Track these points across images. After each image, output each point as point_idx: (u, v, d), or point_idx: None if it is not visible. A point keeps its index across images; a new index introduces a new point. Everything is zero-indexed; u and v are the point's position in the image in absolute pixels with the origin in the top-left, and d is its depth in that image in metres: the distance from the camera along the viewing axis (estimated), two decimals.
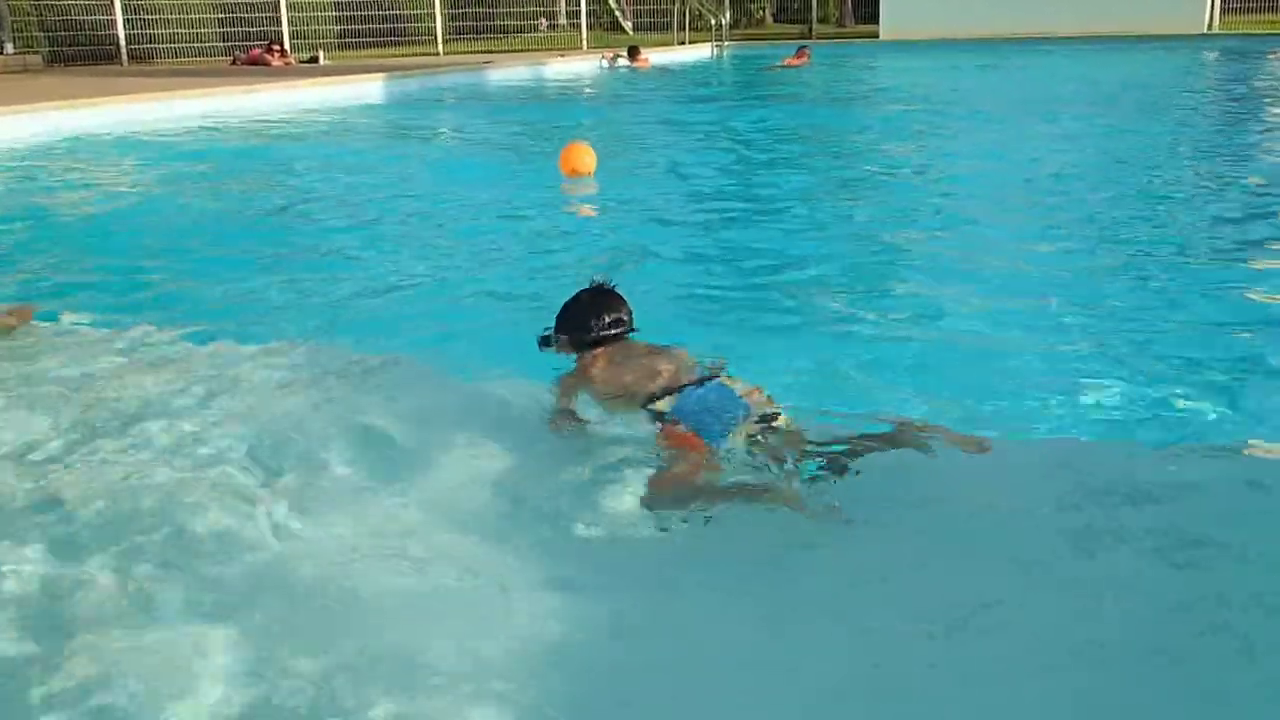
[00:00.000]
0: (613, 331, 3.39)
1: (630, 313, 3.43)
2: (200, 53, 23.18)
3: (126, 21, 21.77)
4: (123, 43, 21.72)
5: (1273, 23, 27.33)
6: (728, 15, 29.87)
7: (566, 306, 3.48)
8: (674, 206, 7.19)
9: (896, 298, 4.80)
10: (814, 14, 32.84)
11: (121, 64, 21.32)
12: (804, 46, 21.75)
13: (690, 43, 27.18)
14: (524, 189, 7.72)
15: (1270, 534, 2.65)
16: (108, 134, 11.28)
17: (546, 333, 3.50)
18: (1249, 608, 2.32)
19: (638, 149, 10.18)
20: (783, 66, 20.17)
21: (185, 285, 5.27)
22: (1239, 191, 7.26)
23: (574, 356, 3.40)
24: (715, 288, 5.02)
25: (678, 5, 27.90)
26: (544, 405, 3.35)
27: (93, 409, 3.50)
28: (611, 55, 21.68)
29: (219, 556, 2.59)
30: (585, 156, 7.84)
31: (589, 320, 3.40)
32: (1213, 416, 3.35)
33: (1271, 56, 19.59)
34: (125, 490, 2.91)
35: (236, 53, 21.88)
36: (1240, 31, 26.20)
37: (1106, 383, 3.61)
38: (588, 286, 3.52)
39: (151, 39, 22.45)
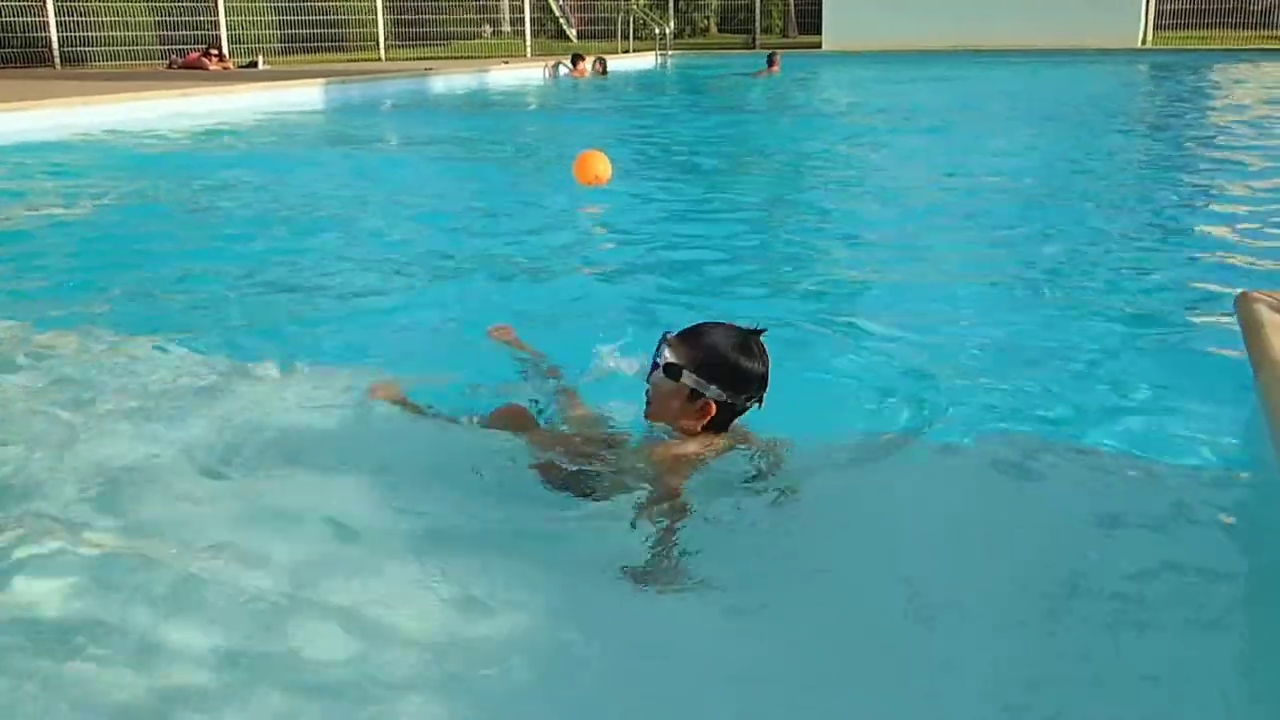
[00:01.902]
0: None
1: None
2: (136, 56, 22.81)
3: (59, 24, 21.38)
4: (55, 45, 21.32)
5: (1203, 38, 27.94)
6: (672, 24, 29.99)
7: (738, 350, 2.73)
8: (625, 216, 7.18)
9: (820, 300, 4.83)
10: (758, 24, 33.03)
11: (54, 67, 20.93)
12: (773, 54, 22.08)
13: (635, 51, 27.23)
14: (471, 196, 7.69)
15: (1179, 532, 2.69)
16: (37, 139, 11.05)
17: (673, 362, 2.72)
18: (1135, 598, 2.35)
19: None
20: (756, 75, 20.65)
21: (109, 293, 5.16)
22: (1159, 196, 7.40)
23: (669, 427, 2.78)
24: (656, 298, 5.00)
25: (622, 14, 27.96)
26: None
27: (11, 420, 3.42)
28: (593, 61, 21.64)
29: (179, 567, 2.52)
30: (601, 164, 7.81)
31: (755, 381, 2.74)
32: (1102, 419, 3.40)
33: (1199, 72, 20.01)
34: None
35: (173, 56, 21.56)
36: (1172, 47, 26.74)
37: (1009, 386, 3.66)
38: (747, 330, 2.78)
39: (86, 41, 22.06)
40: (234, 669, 2.18)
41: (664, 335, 2.78)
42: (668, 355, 2.72)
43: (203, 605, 2.39)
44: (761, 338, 2.77)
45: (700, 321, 2.84)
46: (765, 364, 2.74)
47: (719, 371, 2.70)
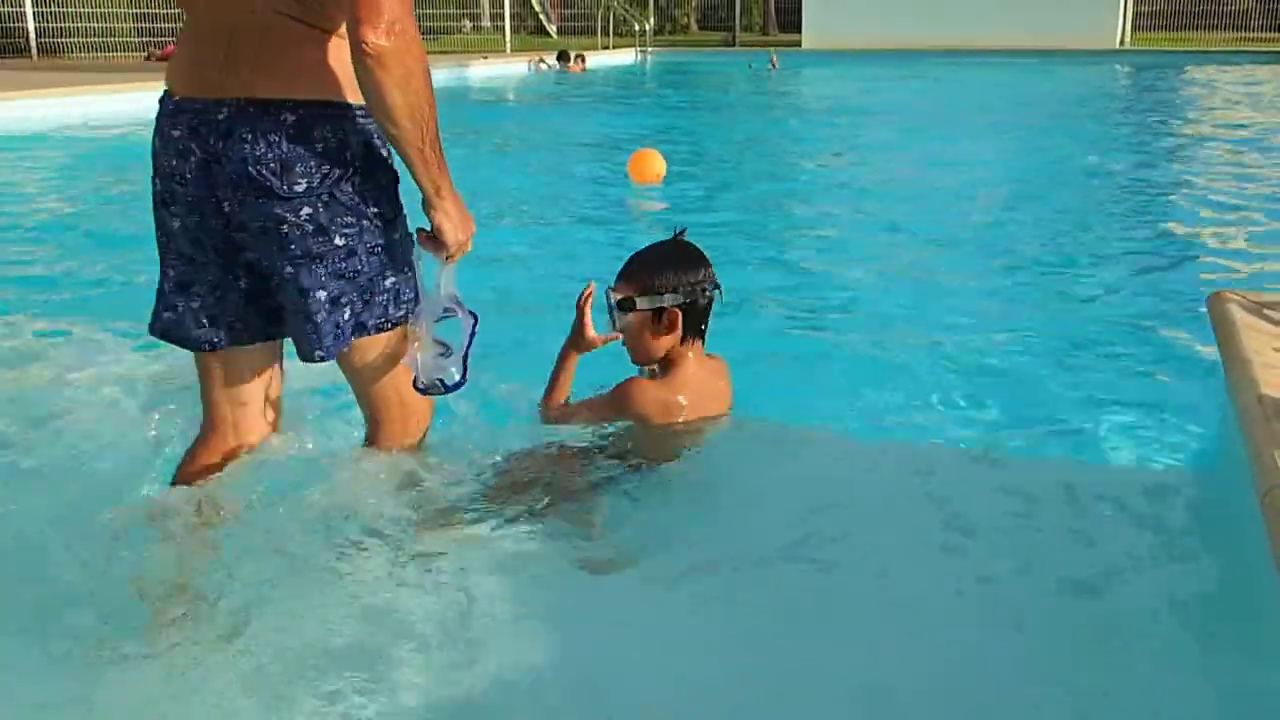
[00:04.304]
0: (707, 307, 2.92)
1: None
2: (114, 48, 22.67)
3: (37, 14, 21.21)
4: (33, 36, 21.15)
5: (1180, 40, 28.16)
6: (652, 21, 30.02)
7: (660, 254, 2.92)
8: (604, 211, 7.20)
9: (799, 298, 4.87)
10: (738, 22, 33.08)
11: (32, 58, 20.78)
12: (773, 54, 22.76)
13: (614, 47, 27.23)
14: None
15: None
16: (12, 131, 10.99)
17: (623, 297, 2.86)
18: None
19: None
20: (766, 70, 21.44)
21: (85, 287, 5.16)
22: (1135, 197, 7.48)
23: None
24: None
25: (603, 10, 27.96)
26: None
27: None
28: (577, 57, 21.74)
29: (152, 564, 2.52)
30: (659, 162, 7.83)
31: (698, 269, 2.89)
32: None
33: (1175, 73, 20.17)
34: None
35: (152, 48, 21.44)
36: (1150, 48, 26.93)
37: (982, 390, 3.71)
38: (669, 239, 2.97)
39: (64, 33, 21.90)
40: (225, 663, 2.19)
41: (606, 289, 2.94)
42: (615, 297, 2.88)
43: (199, 603, 2.39)
44: (684, 237, 2.95)
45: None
46: (699, 253, 2.91)
47: (664, 280, 2.85)
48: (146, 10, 23.27)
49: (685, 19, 37.67)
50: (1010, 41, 25.81)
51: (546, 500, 2.73)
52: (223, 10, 2.32)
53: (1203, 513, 2.90)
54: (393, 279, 2.46)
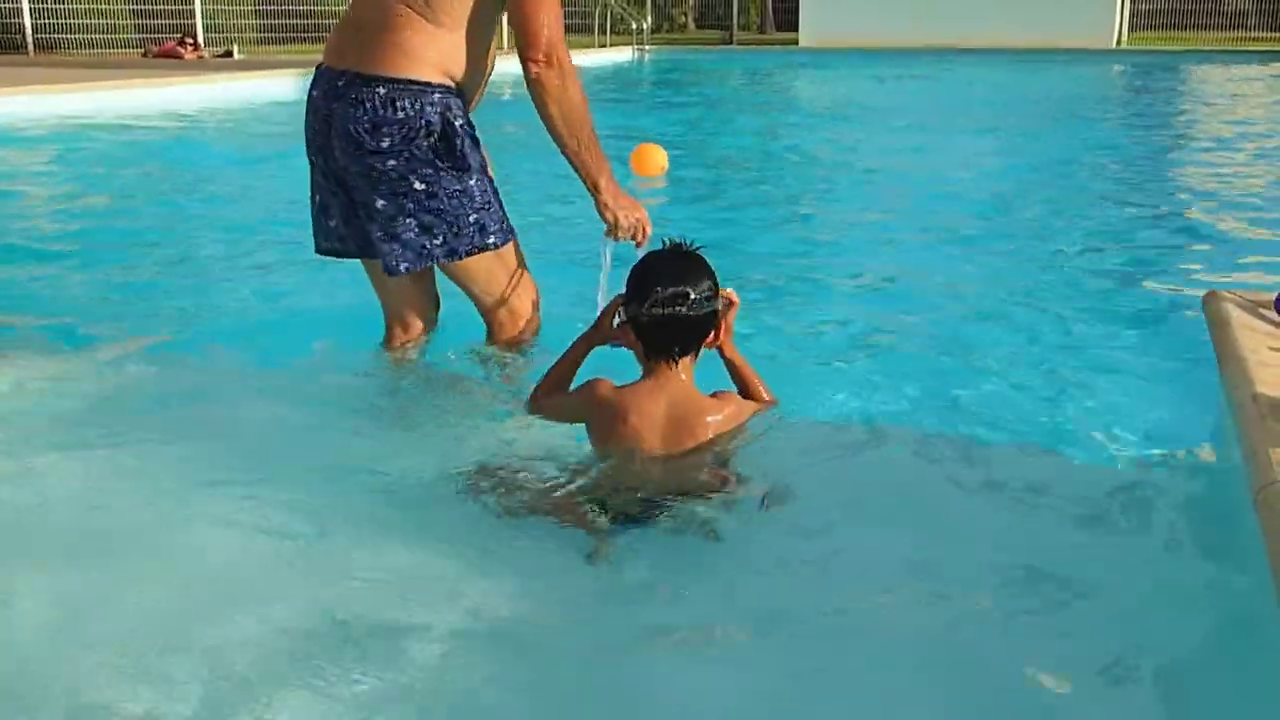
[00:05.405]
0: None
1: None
2: (111, 44, 22.62)
3: (33, 10, 21.16)
4: (29, 32, 21.11)
5: (1178, 39, 28.17)
6: (649, 19, 29.98)
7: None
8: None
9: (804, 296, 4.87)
10: (735, 21, 33.06)
11: (28, 54, 20.74)
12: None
13: (611, 45, 27.20)
14: None
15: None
16: (8, 127, 10.97)
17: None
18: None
19: None
20: None
21: (78, 284, 5.15)
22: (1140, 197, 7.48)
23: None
24: None
25: (599, 8, 27.92)
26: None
27: None
28: None
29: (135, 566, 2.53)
30: (659, 156, 7.83)
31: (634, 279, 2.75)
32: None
33: (1172, 72, 20.19)
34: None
35: (149, 45, 21.41)
36: (1147, 48, 26.94)
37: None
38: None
39: (60, 29, 21.86)
40: (218, 662, 2.19)
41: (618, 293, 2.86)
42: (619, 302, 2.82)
43: (197, 601, 2.40)
44: (675, 248, 2.79)
45: None
46: (662, 271, 2.72)
47: (627, 294, 2.76)
48: (143, 7, 23.23)
49: (683, 18, 37.64)
50: (1007, 40, 25.81)
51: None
52: (363, 4, 3.10)
53: (1197, 511, 2.90)
54: (475, 216, 3.12)
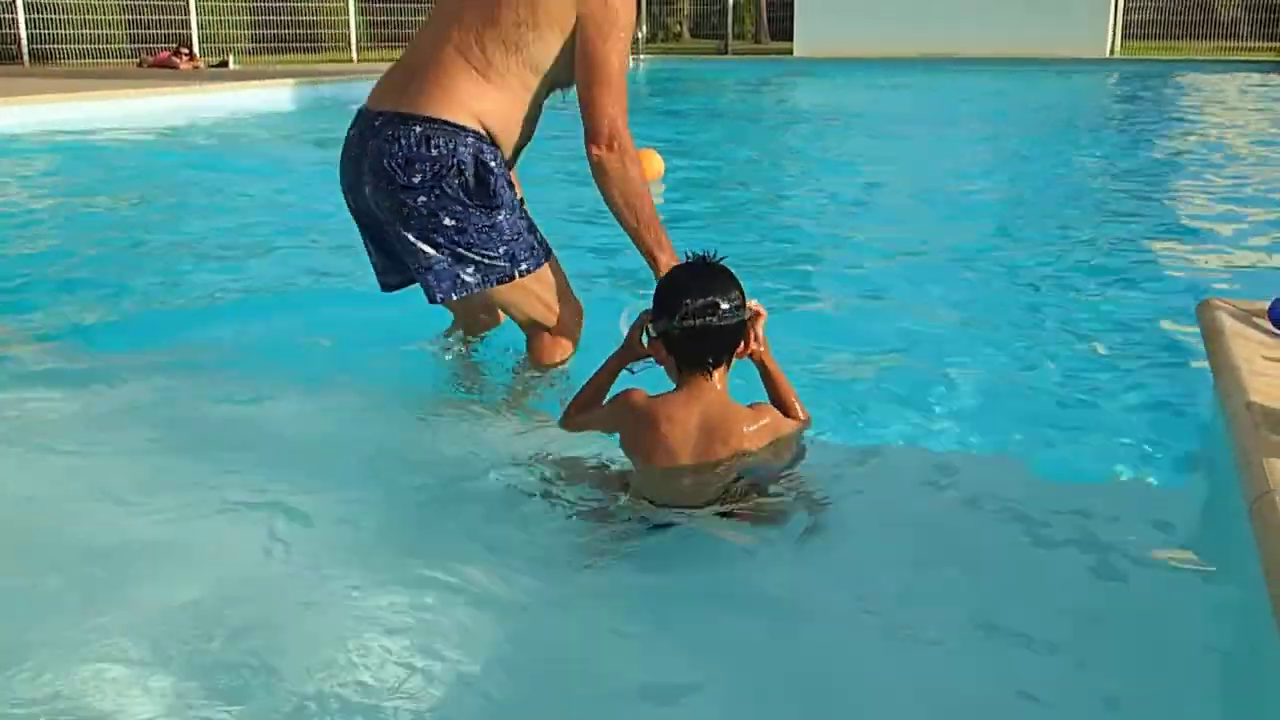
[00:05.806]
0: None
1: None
2: (106, 54, 22.64)
3: (29, 20, 21.18)
4: (24, 42, 21.12)
5: (1171, 48, 28.24)
6: (644, 29, 30.03)
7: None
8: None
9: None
10: (730, 30, 33.13)
11: (23, 65, 20.75)
12: None
13: None
14: None
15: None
16: (3, 138, 10.97)
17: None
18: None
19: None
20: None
21: (71, 294, 5.13)
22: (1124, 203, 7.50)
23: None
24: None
25: None
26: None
27: None
28: None
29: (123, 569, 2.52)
30: (655, 161, 7.82)
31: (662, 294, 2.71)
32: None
33: (1165, 82, 20.24)
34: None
35: (144, 55, 21.43)
36: (1140, 57, 27.00)
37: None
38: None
39: (55, 39, 21.87)
40: (212, 666, 2.19)
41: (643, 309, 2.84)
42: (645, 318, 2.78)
43: (194, 601, 2.40)
44: (703, 259, 2.75)
45: None
46: (688, 283, 2.69)
47: (657, 309, 2.72)
48: (138, 17, 23.24)
49: (678, 27, 37.73)
50: (1001, 50, 25.85)
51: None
52: (417, 51, 3.20)
53: (1191, 520, 2.91)
54: (505, 248, 3.18)
